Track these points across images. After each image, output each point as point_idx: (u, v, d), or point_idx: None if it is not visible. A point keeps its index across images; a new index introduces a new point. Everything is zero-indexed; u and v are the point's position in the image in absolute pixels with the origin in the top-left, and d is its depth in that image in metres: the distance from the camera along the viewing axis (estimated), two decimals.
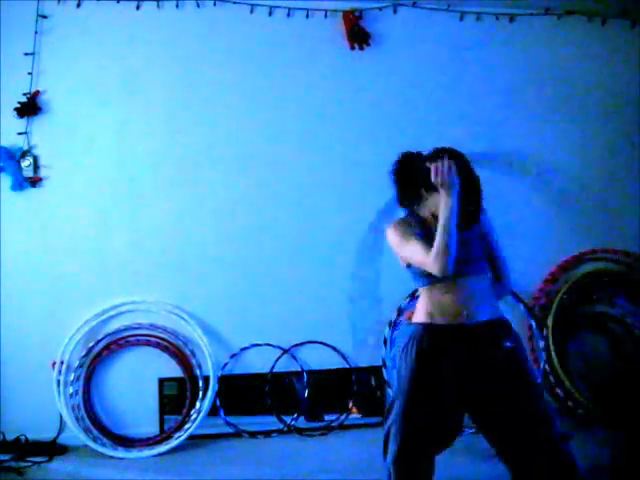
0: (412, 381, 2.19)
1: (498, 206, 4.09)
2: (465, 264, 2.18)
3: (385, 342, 3.95)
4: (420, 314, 2.25)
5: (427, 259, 2.11)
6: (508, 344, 2.24)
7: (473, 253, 2.23)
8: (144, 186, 3.84)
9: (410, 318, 2.31)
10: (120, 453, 3.58)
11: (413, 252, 2.19)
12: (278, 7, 3.92)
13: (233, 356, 3.87)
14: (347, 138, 4.00)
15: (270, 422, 3.84)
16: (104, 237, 3.80)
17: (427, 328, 2.21)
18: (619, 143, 4.30)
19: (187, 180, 3.88)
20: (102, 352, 3.76)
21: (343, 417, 3.91)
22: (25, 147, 3.70)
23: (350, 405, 3.94)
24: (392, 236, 2.28)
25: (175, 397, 3.84)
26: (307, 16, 3.95)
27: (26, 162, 3.69)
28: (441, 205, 2.13)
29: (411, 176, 2.26)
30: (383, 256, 3.97)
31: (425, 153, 2.27)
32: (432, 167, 2.13)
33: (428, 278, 2.19)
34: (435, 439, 2.25)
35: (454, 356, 2.18)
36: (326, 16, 3.96)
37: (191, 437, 3.68)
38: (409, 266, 2.27)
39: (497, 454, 2.25)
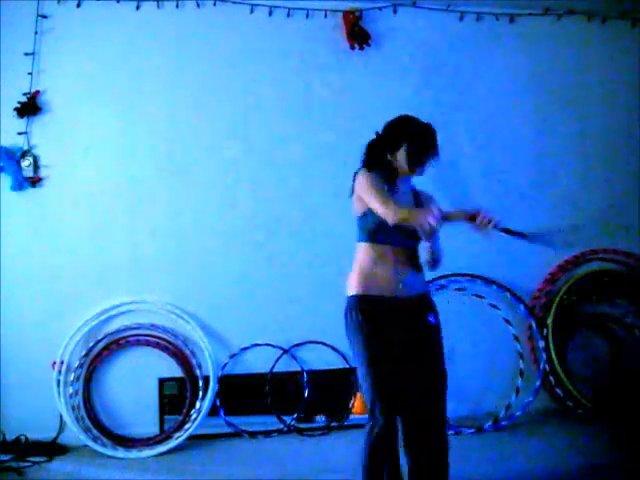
0: (367, 343, 2.38)
1: (498, 206, 4.15)
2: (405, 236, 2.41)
3: None
4: (358, 282, 2.41)
5: (389, 205, 2.29)
6: (432, 320, 2.47)
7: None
8: (144, 186, 3.84)
9: None
10: (120, 453, 3.58)
11: (376, 196, 2.35)
12: (278, 7, 3.92)
13: (233, 356, 3.87)
14: (347, 138, 3.99)
15: (270, 422, 3.84)
16: (104, 237, 3.80)
17: (363, 299, 2.40)
18: (619, 143, 4.30)
19: (187, 179, 3.88)
20: (102, 352, 3.76)
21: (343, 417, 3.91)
22: (25, 147, 3.70)
23: (350, 405, 3.94)
24: (364, 180, 2.42)
25: (175, 397, 3.84)
26: (307, 16, 3.95)
27: (26, 162, 3.69)
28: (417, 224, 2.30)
29: (379, 144, 2.53)
30: None
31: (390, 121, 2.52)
32: (427, 218, 2.21)
33: (374, 235, 2.40)
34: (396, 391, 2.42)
35: (389, 322, 2.39)
36: (326, 16, 3.96)
37: (191, 437, 3.68)
38: (363, 216, 2.42)
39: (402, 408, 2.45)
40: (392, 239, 2.42)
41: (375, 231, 2.42)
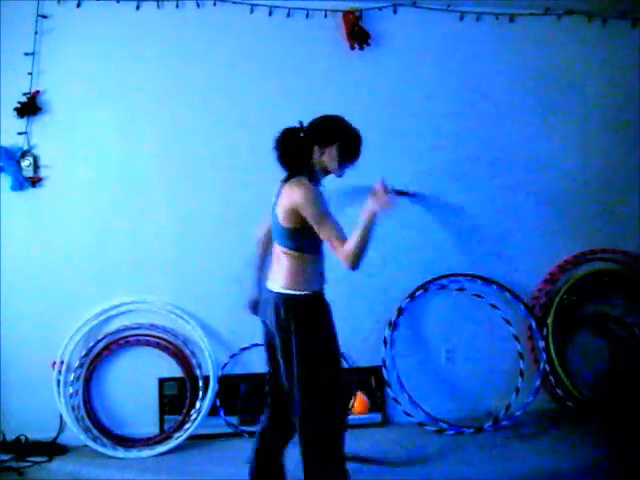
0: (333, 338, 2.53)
1: (498, 206, 4.16)
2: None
3: (385, 342, 3.95)
4: (308, 281, 2.47)
5: (342, 250, 2.28)
6: None
7: None
8: (144, 186, 3.84)
9: None
10: (120, 453, 3.58)
11: (330, 234, 2.32)
12: (278, 7, 3.91)
13: (233, 356, 3.87)
14: None
15: None
16: (104, 237, 3.80)
17: (320, 294, 2.54)
18: (619, 143, 4.30)
19: (188, 180, 3.87)
20: (102, 352, 3.76)
21: None
22: (25, 147, 3.70)
23: (350, 404, 3.94)
24: (312, 202, 2.33)
25: (175, 397, 3.83)
26: (307, 16, 3.95)
27: (26, 162, 3.68)
28: (368, 214, 2.29)
29: (307, 139, 2.43)
30: (383, 255, 3.96)
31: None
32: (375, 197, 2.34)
33: (315, 248, 2.45)
34: None
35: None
36: (326, 16, 3.96)
37: (191, 437, 3.68)
38: (298, 230, 2.39)
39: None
40: (320, 249, 2.52)
41: (315, 245, 2.46)
